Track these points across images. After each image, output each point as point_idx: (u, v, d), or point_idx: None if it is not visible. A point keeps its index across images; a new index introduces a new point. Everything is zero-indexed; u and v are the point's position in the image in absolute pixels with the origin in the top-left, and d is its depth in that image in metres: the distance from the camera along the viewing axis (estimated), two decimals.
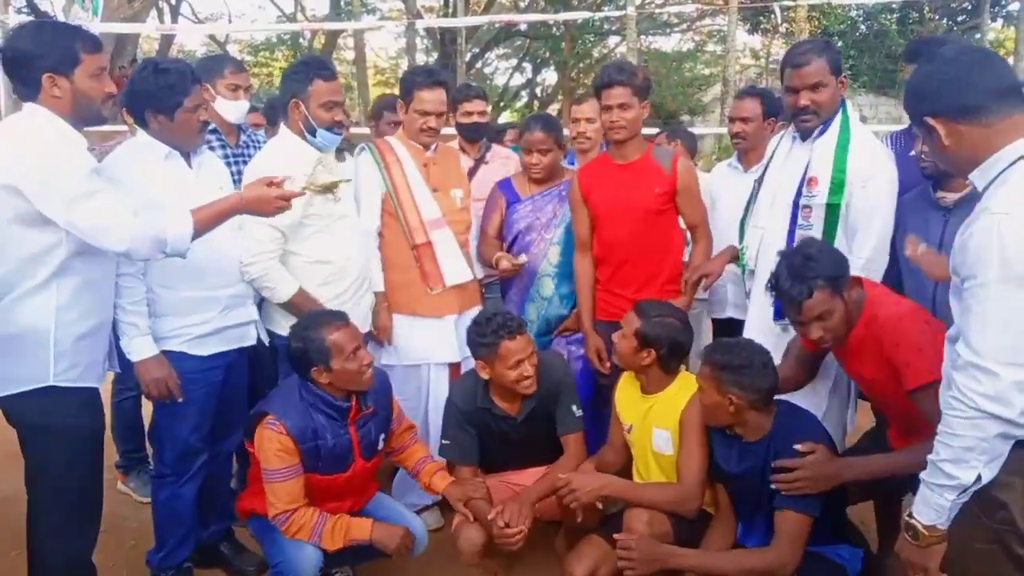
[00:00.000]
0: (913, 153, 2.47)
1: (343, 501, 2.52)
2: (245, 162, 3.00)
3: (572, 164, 3.62)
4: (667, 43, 20.97)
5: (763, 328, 2.61)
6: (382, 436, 2.56)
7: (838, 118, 2.59)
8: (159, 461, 2.63)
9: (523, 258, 3.13)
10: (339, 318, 2.44)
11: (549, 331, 3.24)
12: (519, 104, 22.36)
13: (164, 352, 2.44)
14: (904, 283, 2.52)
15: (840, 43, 15.45)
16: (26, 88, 2.04)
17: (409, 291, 3.05)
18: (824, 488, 2.09)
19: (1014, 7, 15.24)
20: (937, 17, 16.65)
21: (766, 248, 2.67)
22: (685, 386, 2.47)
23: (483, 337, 2.53)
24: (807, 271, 2.10)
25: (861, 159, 2.52)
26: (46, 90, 2.03)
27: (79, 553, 2.24)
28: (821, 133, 2.59)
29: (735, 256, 2.84)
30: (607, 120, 2.86)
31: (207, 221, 2.14)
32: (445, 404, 2.77)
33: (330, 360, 2.35)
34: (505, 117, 19.42)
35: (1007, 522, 1.50)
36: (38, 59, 2.01)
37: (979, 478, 1.47)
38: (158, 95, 2.37)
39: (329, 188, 2.47)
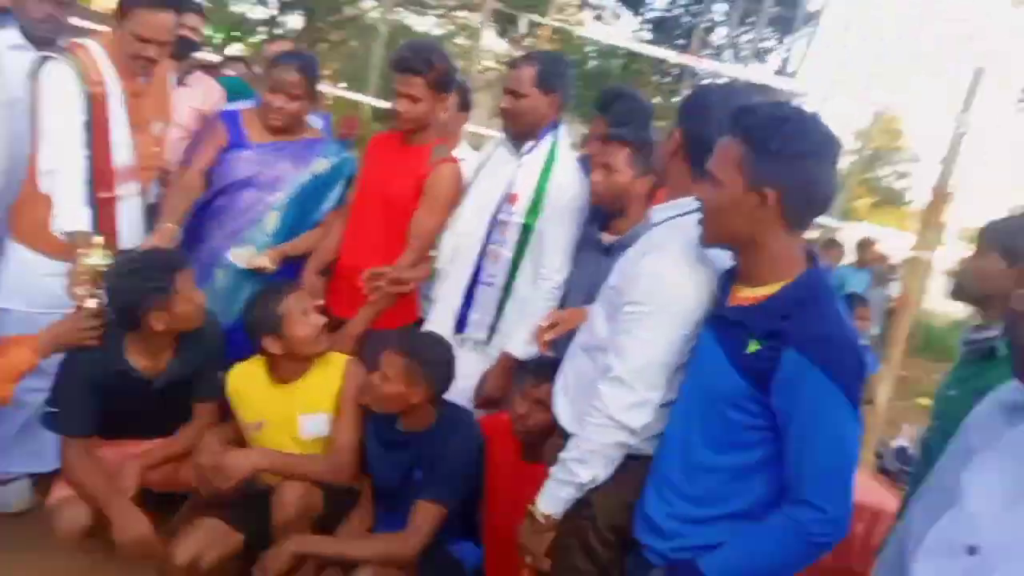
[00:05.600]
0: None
1: None
2: None
3: (325, 126, 3.29)
4: (421, 23, 21.00)
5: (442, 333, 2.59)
6: None
7: (548, 139, 2.61)
8: None
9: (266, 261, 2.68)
10: None
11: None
12: (255, 39, 20.69)
13: None
14: None
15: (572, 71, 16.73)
16: None
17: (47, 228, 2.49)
18: None
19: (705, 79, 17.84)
20: (651, 73, 18.92)
21: (460, 256, 2.67)
22: (331, 365, 2.46)
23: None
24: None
25: (561, 184, 2.56)
26: None
27: None
28: (530, 150, 2.61)
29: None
30: (397, 105, 2.62)
31: None
32: (64, 365, 2.34)
33: None
34: (237, 51, 17.83)
35: (587, 516, 1.69)
36: None
37: (594, 479, 1.64)
38: None
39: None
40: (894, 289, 6.77)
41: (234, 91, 3.85)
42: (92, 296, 2.19)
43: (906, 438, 4.92)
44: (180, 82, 3.35)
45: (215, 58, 5.40)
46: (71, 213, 2.41)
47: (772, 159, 1.43)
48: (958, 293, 2.20)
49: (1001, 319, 1.89)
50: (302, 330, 2.35)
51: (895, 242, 9.07)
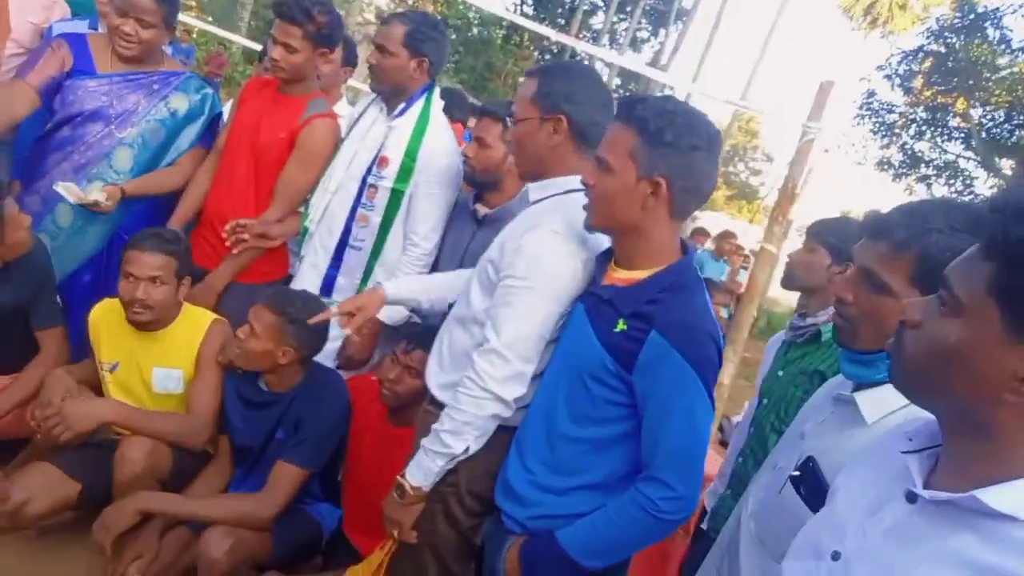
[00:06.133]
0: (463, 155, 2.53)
1: None
2: None
3: (190, 59, 3.04)
4: None
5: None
6: None
7: (420, 103, 2.55)
8: None
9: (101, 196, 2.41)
10: None
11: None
12: None
13: None
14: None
15: (454, 36, 16.61)
16: None
17: None
18: None
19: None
20: (531, 48, 19.06)
21: (330, 217, 2.59)
22: (195, 321, 2.34)
23: None
24: None
25: (432, 150, 2.51)
26: None
27: None
28: (401, 113, 2.54)
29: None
30: (272, 52, 2.46)
31: None
32: None
33: None
34: None
35: (453, 484, 1.70)
36: None
37: (468, 450, 1.64)
38: None
39: None
40: (744, 278, 7.25)
41: (78, 7, 3.48)
42: None
43: (746, 414, 5.33)
44: None
45: None
46: None
47: (666, 150, 1.46)
48: (789, 282, 2.39)
49: (825, 308, 2.09)
50: (122, 287, 2.21)
51: (748, 234, 9.72)
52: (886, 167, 18.11)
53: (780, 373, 2.20)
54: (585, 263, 1.65)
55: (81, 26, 3.00)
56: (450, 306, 1.94)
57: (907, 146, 17.72)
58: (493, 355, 1.60)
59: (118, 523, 2.01)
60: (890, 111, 17.73)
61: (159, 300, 2.22)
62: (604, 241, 1.68)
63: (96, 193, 2.42)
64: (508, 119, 2.43)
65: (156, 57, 2.64)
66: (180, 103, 2.66)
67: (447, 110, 3.30)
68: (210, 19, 12.08)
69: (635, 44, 22.94)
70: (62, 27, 2.97)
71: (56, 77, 2.48)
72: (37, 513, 2.10)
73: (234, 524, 2.06)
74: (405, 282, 2.09)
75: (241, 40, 10.65)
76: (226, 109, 2.90)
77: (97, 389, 2.35)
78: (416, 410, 2.23)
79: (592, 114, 1.70)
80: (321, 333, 2.22)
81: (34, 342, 2.34)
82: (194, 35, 9.93)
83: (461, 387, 1.63)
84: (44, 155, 2.55)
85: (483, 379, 1.60)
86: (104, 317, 2.34)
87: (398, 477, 1.70)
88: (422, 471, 1.67)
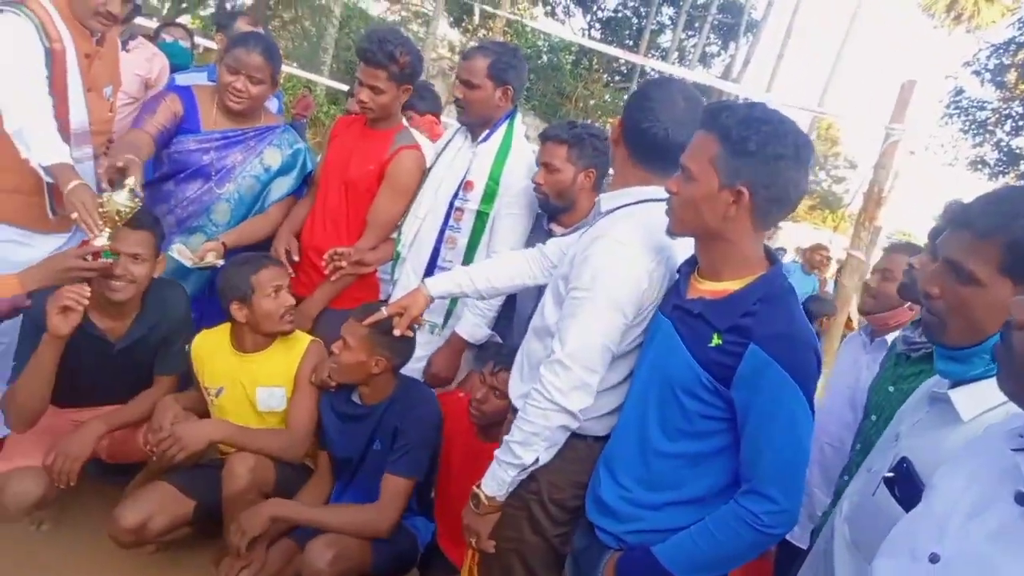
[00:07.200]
0: (533, 182, 2.54)
1: None
2: None
3: (280, 111, 3.24)
4: (375, 7, 20.70)
5: None
6: None
7: (503, 128, 2.63)
8: None
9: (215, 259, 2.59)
10: None
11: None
12: (205, 11, 20.02)
13: None
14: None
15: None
16: None
17: (20, 198, 2.37)
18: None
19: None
20: (601, 71, 19.15)
21: (420, 241, 2.68)
22: (294, 342, 2.47)
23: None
24: None
25: (514, 173, 2.58)
26: None
27: None
28: (485, 139, 2.64)
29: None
30: (359, 94, 2.60)
31: None
32: (24, 324, 2.25)
33: None
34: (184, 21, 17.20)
35: (535, 491, 1.72)
36: None
37: (537, 460, 1.66)
38: None
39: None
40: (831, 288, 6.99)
41: (174, 57, 3.77)
42: (104, 233, 2.10)
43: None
44: (123, 47, 3.25)
45: (152, 24, 5.24)
46: (49, 147, 2.20)
47: (749, 159, 1.43)
48: (908, 293, 2.25)
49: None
50: (268, 305, 2.35)
51: (833, 243, 9.33)
52: (980, 166, 17.18)
53: (891, 389, 2.04)
54: (651, 272, 1.63)
55: (200, 78, 3.25)
56: (529, 317, 1.99)
57: (1003, 143, 16.77)
58: (557, 365, 1.61)
59: (253, 527, 2.14)
60: (981, 108, 16.85)
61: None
62: (675, 250, 1.68)
63: (211, 257, 2.59)
64: (571, 139, 2.49)
65: (258, 114, 2.79)
66: (273, 158, 2.80)
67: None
68: (294, 64, 12.73)
69: (705, 59, 22.73)
70: (183, 79, 3.22)
71: (169, 128, 2.65)
72: (158, 529, 2.23)
73: (353, 534, 2.17)
74: (446, 276, 2.13)
75: (324, 81, 11.18)
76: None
77: (201, 415, 2.48)
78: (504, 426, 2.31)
79: (642, 123, 1.70)
80: (410, 342, 2.30)
81: (147, 378, 2.48)
82: (280, 80, 10.50)
83: (529, 399, 1.64)
84: (149, 204, 2.68)
85: (548, 390, 1.60)
86: (204, 347, 2.48)
87: (473, 487, 1.73)
88: (495, 481, 1.69)
